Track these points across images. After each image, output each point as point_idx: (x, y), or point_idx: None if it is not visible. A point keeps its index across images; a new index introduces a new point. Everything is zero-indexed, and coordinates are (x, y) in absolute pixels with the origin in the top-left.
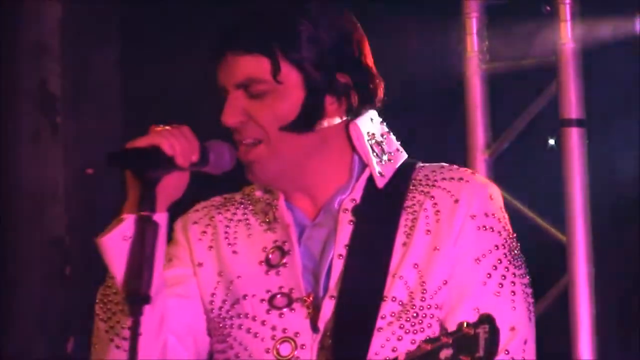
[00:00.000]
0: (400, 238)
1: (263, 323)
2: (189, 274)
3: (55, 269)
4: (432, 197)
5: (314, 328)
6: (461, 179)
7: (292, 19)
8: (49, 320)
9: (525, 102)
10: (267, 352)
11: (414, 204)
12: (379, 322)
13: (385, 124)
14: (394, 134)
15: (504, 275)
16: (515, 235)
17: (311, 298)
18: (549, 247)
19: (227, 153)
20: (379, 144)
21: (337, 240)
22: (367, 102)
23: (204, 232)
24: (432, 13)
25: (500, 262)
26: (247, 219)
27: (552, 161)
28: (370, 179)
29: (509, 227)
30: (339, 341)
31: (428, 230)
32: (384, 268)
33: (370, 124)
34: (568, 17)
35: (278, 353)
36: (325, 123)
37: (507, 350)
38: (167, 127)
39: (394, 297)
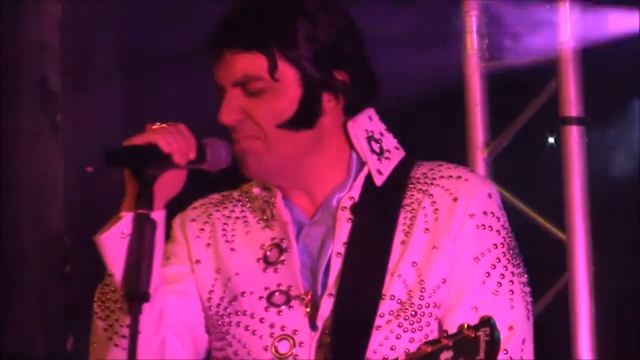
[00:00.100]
0: (398, 236)
1: (261, 320)
2: (187, 271)
3: (54, 267)
4: (431, 195)
5: (313, 326)
6: (460, 177)
7: (290, 17)
8: (49, 319)
9: (525, 100)
10: (266, 349)
11: (412, 202)
12: (378, 321)
13: (383, 121)
14: (392, 132)
15: (502, 274)
16: (514, 233)
17: (309, 296)
18: (548, 246)
19: (224, 150)
20: (377, 141)
21: (336, 238)
22: (364, 99)
23: (202, 229)
24: (432, 10)
25: (499, 261)
26: (245, 217)
27: (552, 159)
28: (369, 176)
29: (507, 225)
30: (337, 339)
31: (427, 229)
32: (382, 266)
33: (368, 121)
34: (568, 15)
35: (276, 351)
36: (323, 121)
37: (505, 350)
38: (164, 125)
39: (392, 295)
